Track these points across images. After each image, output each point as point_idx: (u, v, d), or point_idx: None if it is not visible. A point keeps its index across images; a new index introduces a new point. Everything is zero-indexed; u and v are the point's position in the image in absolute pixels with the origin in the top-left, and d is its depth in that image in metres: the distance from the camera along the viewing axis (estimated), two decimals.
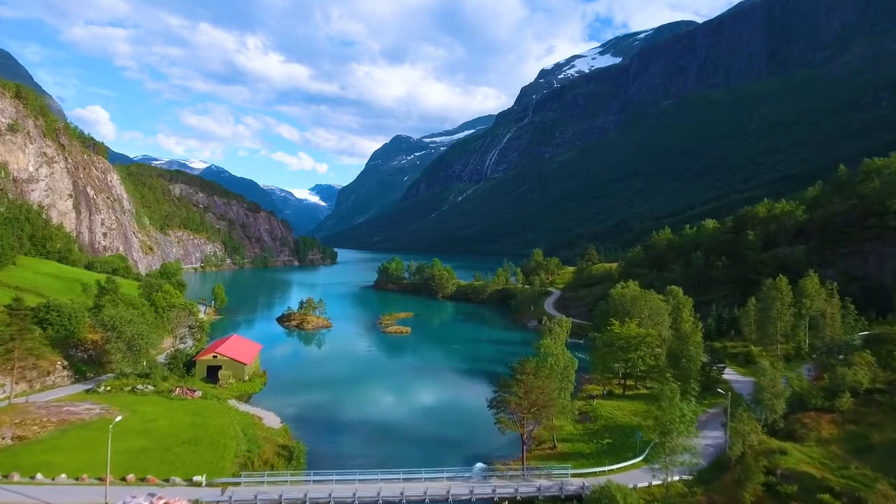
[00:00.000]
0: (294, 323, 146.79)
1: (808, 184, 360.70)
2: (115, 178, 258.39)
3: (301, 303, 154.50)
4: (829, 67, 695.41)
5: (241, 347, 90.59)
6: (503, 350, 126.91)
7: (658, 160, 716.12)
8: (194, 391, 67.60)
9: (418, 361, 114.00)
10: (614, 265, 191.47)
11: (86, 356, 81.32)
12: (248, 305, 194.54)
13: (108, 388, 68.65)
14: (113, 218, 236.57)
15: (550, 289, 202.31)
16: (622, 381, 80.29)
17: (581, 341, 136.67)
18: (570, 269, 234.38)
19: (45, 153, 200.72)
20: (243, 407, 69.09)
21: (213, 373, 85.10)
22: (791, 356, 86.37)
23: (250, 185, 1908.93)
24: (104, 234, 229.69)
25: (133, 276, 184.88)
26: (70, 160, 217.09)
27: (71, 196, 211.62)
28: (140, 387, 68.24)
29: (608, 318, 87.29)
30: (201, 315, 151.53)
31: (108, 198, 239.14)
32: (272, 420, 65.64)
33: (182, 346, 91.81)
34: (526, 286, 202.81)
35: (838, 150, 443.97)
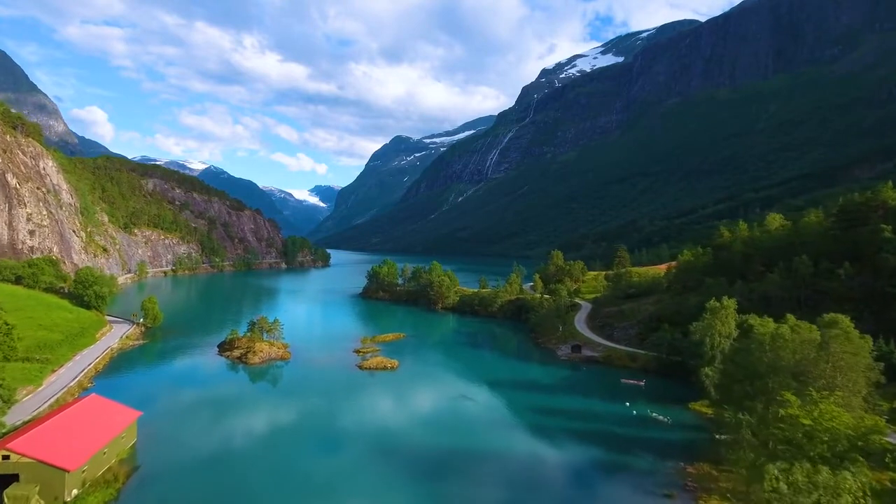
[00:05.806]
0: (237, 353, 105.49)
1: (827, 182, 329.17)
2: (50, 166, 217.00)
3: (251, 323, 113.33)
4: (838, 65, 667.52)
5: (79, 429, 49.43)
6: (537, 403, 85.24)
7: (663, 160, 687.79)
8: None
9: (405, 436, 68.15)
10: (661, 269, 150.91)
11: None
12: (194, 322, 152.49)
13: None
14: (44, 213, 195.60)
15: (577, 300, 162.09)
16: None
17: (641, 383, 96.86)
18: (597, 273, 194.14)
19: None
20: None
21: (5, 485, 44.70)
22: None
23: (249, 185, 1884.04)
24: (31, 233, 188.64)
25: (44, 285, 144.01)
26: None
27: None
28: None
29: (755, 380, 46.28)
30: (112, 342, 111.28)
31: (38, 188, 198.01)
32: None
33: None
34: (546, 296, 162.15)
35: (852, 147, 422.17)
